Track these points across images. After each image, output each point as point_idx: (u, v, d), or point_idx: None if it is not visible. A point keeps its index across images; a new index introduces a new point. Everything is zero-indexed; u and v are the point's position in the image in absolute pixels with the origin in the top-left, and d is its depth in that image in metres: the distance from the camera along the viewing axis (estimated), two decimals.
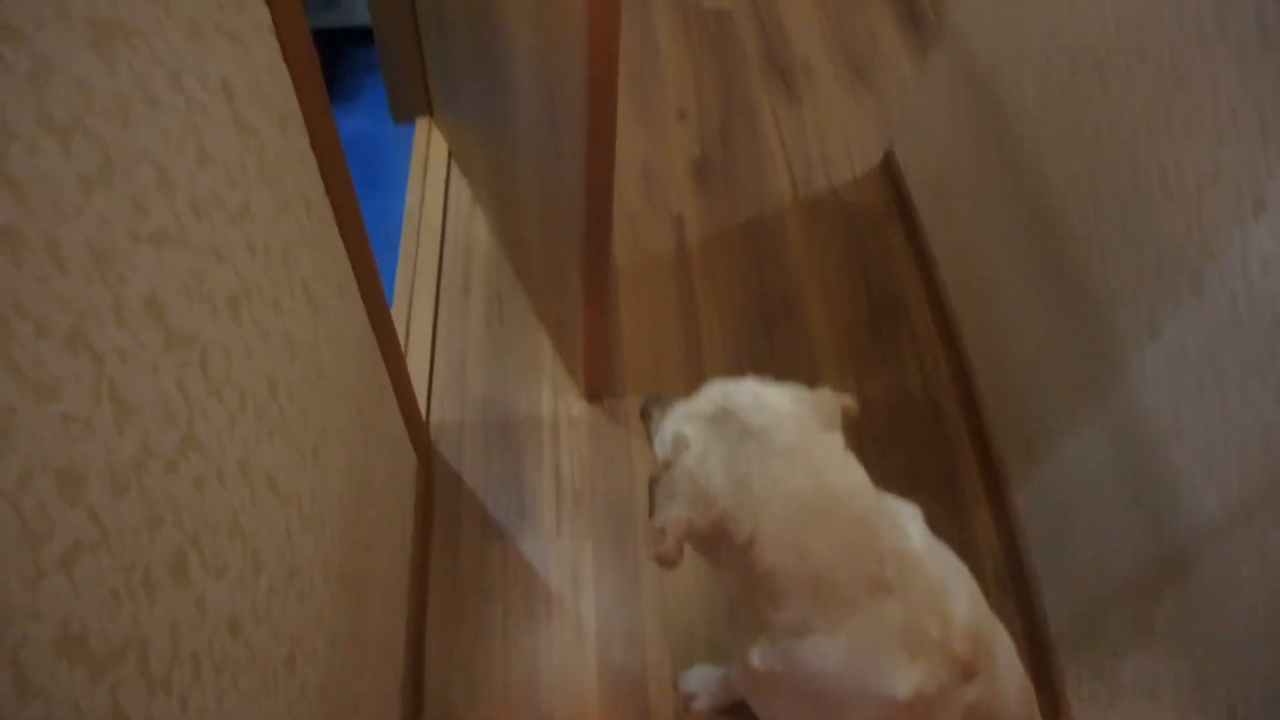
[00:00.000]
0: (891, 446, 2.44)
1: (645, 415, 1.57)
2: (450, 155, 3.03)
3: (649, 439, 1.53)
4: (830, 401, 1.37)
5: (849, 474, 1.31)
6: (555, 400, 2.47)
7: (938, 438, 2.47)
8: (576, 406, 2.46)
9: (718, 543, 1.28)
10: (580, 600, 2.16)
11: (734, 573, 1.33)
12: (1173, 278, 1.59)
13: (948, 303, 2.62)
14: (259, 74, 1.10)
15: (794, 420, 1.31)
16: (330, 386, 1.41)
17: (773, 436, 1.28)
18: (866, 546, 1.25)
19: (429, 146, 3.04)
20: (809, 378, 2.50)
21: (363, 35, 3.15)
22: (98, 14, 0.71)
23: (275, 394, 1.14)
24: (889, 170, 3.07)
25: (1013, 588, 2.20)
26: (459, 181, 2.96)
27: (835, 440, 1.33)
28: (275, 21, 1.16)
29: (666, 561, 1.24)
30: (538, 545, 2.24)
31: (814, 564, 1.24)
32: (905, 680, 1.25)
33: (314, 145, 1.32)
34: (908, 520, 1.37)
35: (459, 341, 2.58)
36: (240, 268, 1.03)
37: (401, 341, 2.46)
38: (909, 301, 2.75)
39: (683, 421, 1.36)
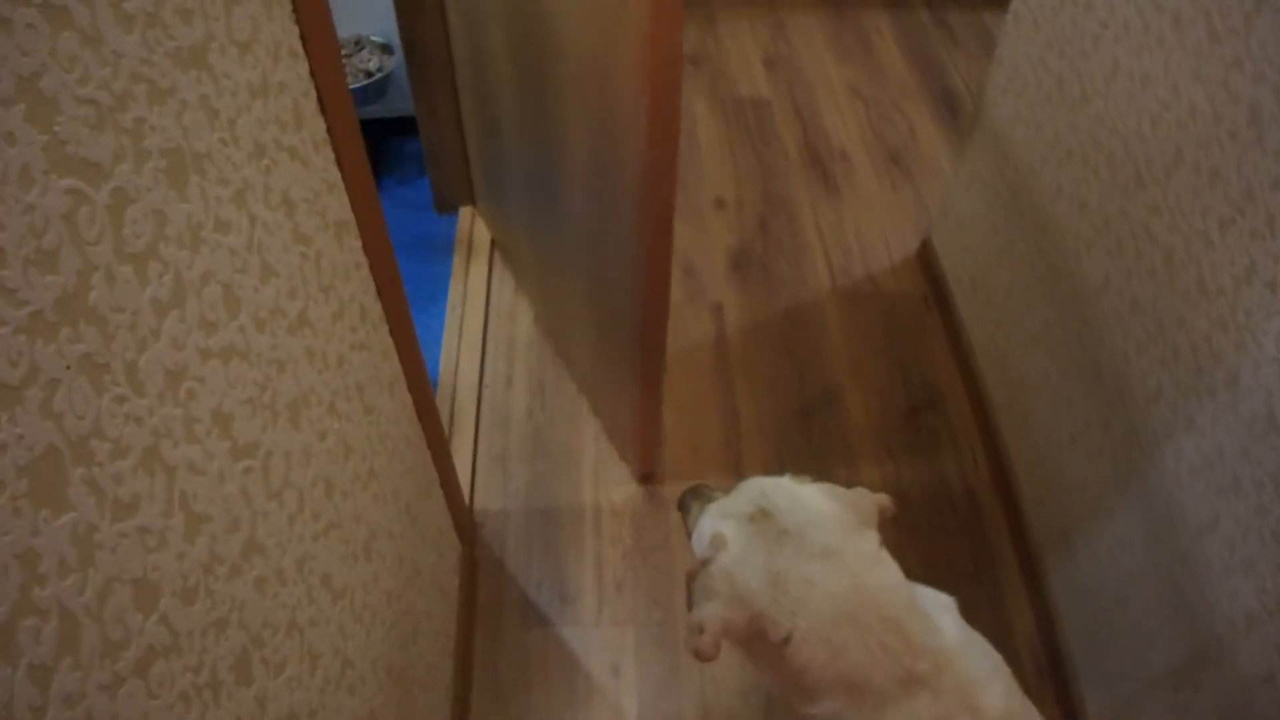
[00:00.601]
0: (929, 535, 2.45)
1: (683, 507, 1.60)
2: (493, 245, 3.09)
3: (686, 531, 1.56)
4: (866, 501, 1.39)
5: (883, 573, 1.32)
6: (597, 489, 2.50)
7: (975, 527, 2.47)
8: (618, 494, 2.49)
9: (754, 640, 1.30)
10: (621, 688, 2.17)
11: (769, 668, 1.34)
12: (1208, 372, 1.60)
13: (985, 392, 2.63)
14: (317, 186, 1.15)
15: (831, 520, 1.33)
16: (381, 483, 1.45)
17: (809, 537, 1.30)
18: (900, 644, 1.25)
19: (472, 237, 3.10)
20: (847, 466, 2.52)
21: (407, 124, 3.23)
22: (170, 144, 0.76)
23: (331, 494, 1.17)
24: (926, 259, 3.10)
25: (1050, 675, 2.19)
26: (501, 271, 3.02)
27: (871, 539, 1.34)
28: (331, 134, 1.21)
29: (704, 657, 1.26)
30: (579, 633, 2.25)
31: (848, 662, 1.25)
32: None
33: (367, 251, 1.37)
34: (941, 613, 1.38)
35: (502, 431, 2.61)
36: (300, 375, 1.07)
37: (445, 430, 2.50)
38: (946, 391, 2.76)
39: (720, 520, 1.39)
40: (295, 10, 1.06)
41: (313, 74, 1.13)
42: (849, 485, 1.44)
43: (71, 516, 0.63)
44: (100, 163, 0.66)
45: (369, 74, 3.32)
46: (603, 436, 2.60)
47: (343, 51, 3.26)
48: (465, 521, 2.24)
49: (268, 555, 0.97)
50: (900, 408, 2.72)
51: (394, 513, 1.54)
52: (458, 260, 3.03)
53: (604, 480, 2.52)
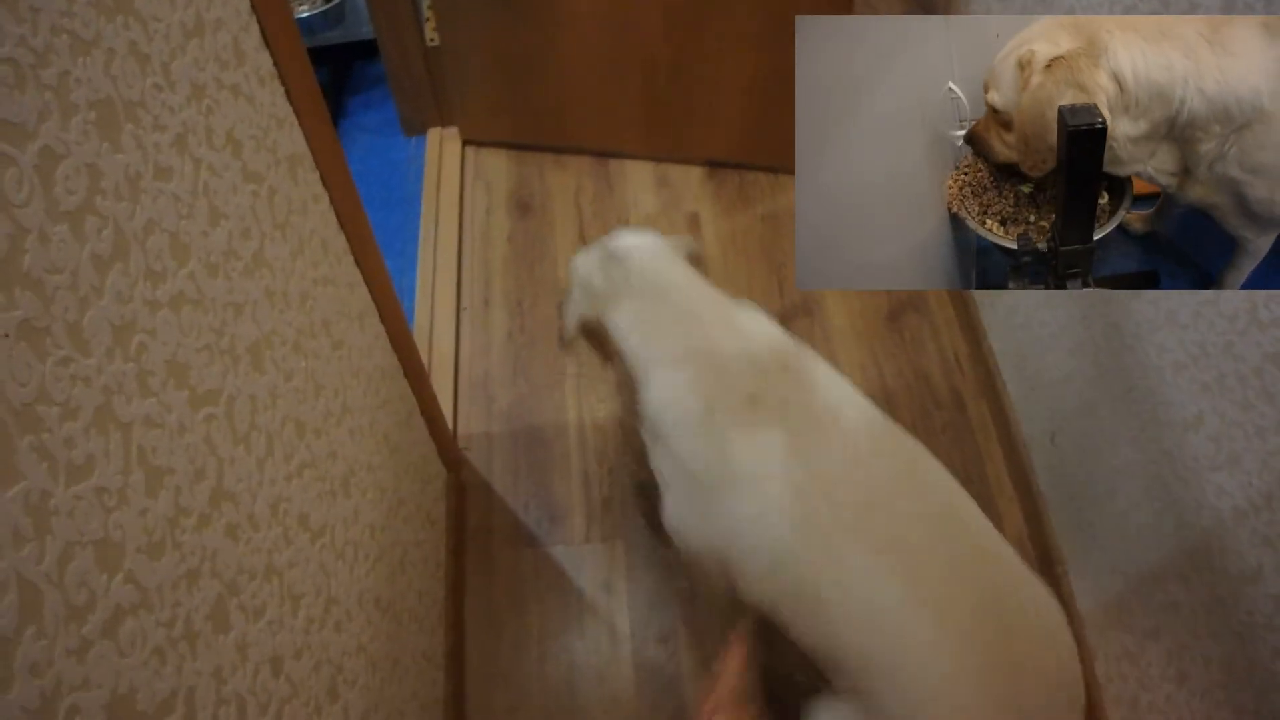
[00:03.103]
0: (915, 436, 2.44)
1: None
2: (464, 160, 3.04)
3: (561, 319, 1.91)
4: (682, 241, 1.87)
5: (684, 272, 1.76)
6: (580, 407, 2.49)
7: (961, 426, 2.48)
8: (601, 411, 2.48)
9: (600, 333, 1.76)
10: (613, 603, 2.18)
11: (613, 357, 1.76)
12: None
13: (967, 291, 2.62)
14: (265, 122, 1.12)
15: (651, 246, 1.80)
16: (356, 416, 1.44)
17: (632, 256, 1.76)
18: (691, 318, 1.67)
19: (441, 159, 3.04)
20: None
21: (369, 48, 3.16)
22: (98, 94, 0.73)
23: (302, 433, 1.16)
24: None
25: (1040, 572, 2.20)
26: (474, 193, 2.98)
27: (680, 259, 1.79)
28: (278, 65, 1.17)
29: (565, 342, 1.86)
30: (569, 551, 2.26)
31: (658, 336, 1.67)
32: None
33: (325, 183, 1.34)
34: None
35: (482, 353, 2.60)
36: (259, 316, 1.05)
37: (425, 357, 2.48)
38: (927, 291, 2.75)
39: (579, 259, 1.85)
40: None
41: (254, 7, 1.09)
42: None
43: (23, 485, 0.62)
44: (23, 123, 0.64)
45: None
46: (583, 356, 2.59)
47: None
48: (449, 447, 2.24)
49: (238, 501, 0.96)
50: (882, 311, 2.71)
51: (372, 445, 1.53)
52: (428, 183, 2.99)
53: (586, 398, 2.51)
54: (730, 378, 1.57)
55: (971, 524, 1.49)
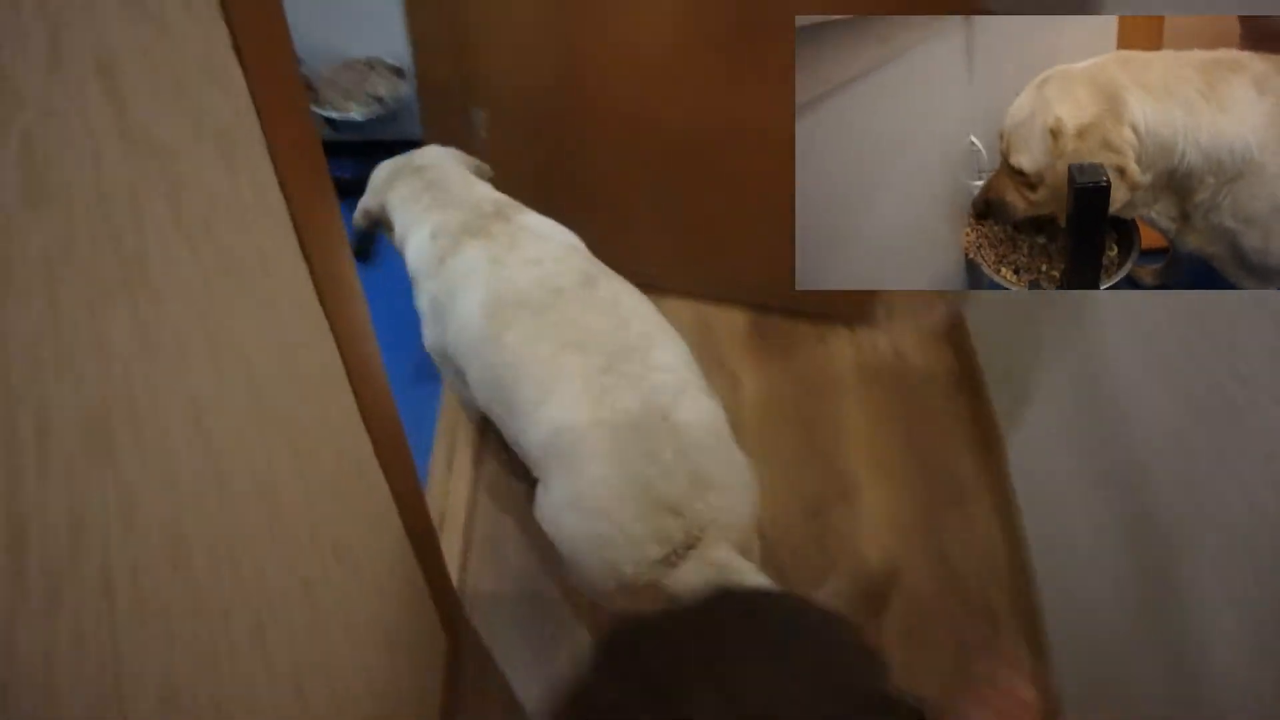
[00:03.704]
0: (943, 646, 2.30)
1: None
2: None
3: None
4: (473, 160, 2.37)
5: (451, 162, 2.28)
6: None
7: (993, 643, 2.33)
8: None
9: (384, 218, 2.25)
10: None
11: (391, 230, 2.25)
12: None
13: (1010, 496, 2.49)
14: (290, 339, 1.02)
15: (438, 149, 2.34)
16: (359, 629, 1.32)
17: (416, 154, 2.31)
18: (440, 188, 2.17)
19: None
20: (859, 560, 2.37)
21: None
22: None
23: (300, 685, 1.04)
24: (955, 336, 2.95)
25: None
26: None
27: (456, 158, 2.32)
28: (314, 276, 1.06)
29: (358, 227, 2.29)
30: None
31: (416, 211, 2.15)
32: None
33: (351, 378, 1.22)
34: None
35: (496, 511, 2.49)
36: (265, 580, 0.93)
37: (437, 509, 2.39)
38: (967, 487, 2.63)
39: (379, 167, 2.33)
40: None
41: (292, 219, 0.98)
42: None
43: None
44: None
45: (379, 99, 3.19)
46: None
47: (352, 73, 3.16)
48: (453, 609, 2.12)
49: None
50: (919, 504, 2.58)
51: (370, 645, 1.41)
52: None
53: None
54: (459, 224, 2.05)
55: (636, 320, 1.89)
